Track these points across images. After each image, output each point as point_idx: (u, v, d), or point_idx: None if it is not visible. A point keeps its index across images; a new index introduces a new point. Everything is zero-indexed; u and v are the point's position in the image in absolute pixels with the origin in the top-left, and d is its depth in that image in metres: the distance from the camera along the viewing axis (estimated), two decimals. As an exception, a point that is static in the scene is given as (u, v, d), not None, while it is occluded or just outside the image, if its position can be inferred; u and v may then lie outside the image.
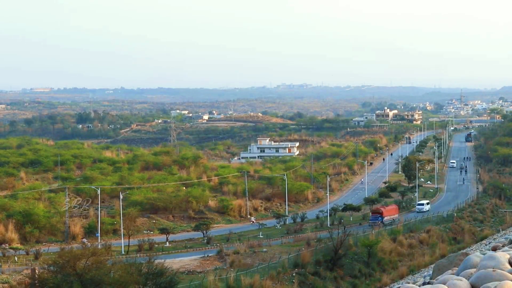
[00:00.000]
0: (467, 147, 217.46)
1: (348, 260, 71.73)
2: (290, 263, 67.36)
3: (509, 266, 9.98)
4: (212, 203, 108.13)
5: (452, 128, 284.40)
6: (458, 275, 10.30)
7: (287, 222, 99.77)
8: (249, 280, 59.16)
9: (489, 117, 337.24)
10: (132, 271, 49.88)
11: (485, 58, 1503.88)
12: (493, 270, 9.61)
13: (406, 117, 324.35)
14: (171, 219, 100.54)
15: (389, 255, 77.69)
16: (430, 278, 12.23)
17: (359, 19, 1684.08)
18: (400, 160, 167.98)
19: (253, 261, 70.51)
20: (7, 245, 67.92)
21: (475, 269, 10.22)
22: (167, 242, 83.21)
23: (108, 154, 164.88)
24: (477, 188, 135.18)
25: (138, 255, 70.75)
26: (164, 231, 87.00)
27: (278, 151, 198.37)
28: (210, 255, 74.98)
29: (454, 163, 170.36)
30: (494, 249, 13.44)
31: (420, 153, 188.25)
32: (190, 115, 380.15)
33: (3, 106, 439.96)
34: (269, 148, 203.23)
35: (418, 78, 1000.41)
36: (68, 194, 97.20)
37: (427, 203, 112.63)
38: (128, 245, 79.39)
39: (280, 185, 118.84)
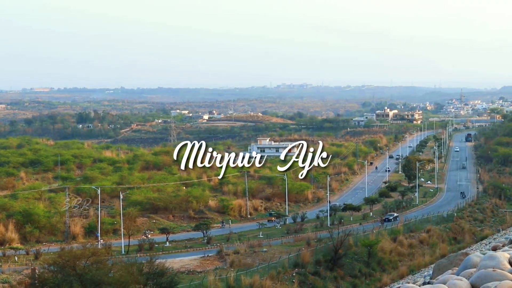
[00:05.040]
0: (467, 147, 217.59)
1: (348, 260, 71.75)
2: (290, 263, 67.38)
3: (509, 266, 9.98)
4: (212, 203, 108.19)
5: (452, 128, 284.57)
6: (458, 275, 10.30)
7: (287, 222, 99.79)
8: (249, 280, 59.21)
9: (489, 117, 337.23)
10: (133, 270, 49.90)
11: (485, 57, 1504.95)
12: (493, 270, 9.61)
13: (406, 117, 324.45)
14: (171, 219, 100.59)
15: (389, 255, 77.72)
16: (430, 278, 12.23)
17: (360, 19, 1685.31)
18: (400, 160, 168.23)
19: (253, 261, 70.56)
20: None
21: (475, 269, 10.22)
22: (167, 242, 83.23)
23: (108, 154, 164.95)
24: (477, 188, 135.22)
25: (138, 255, 70.86)
26: (164, 231, 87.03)
27: (278, 151, 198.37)
28: (210, 255, 75.03)
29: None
30: (494, 249, 13.44)
31: (420, 153, 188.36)
32: (190, 115, 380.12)
33: (3, 106, 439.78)
34: (269, 148, 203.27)
35: (418, 78, 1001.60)
36: (68, 194, 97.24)
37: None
38: (128, 245, 79.41)
39: (280, 185, 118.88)
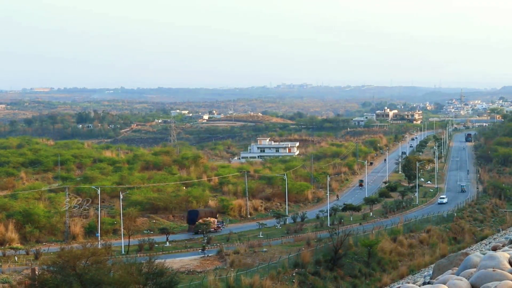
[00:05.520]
0: (467, 147, 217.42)
1: (348, 260, 71.70)
2: (290, 263, 67.33)
3: (509, 266, 9.96)
4: (212, 203, 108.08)
5: (452, 128, 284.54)
6: (458, 275, 10.29)
7: (287, 222, 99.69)
8: (249, 280, 59.16)
9: (489, 117, 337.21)
10: (132, 271, 49.85)
11: (485, 57, 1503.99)
12: (493, 270, 9.59)
13: (406, 117, 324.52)
14: (171, 219, 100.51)
15: (389, 255, 77.67)
16: (430, 278, 12.21)
17: (360, 19, 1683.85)
18: (400, 160, 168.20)
19: (253, 261, 70.50)
20: None
21: (475, 269, 10.21)
22: (167, 242, 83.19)
23: (108, 154, 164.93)
24: (477, 188, 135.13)
25: (138, 255, 70.78)
26: (164, 231, 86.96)
27: (278, 151, 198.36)
28: (210, 255, 74.96)
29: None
30: (494, 249, 13.42)
31: (420, 153, 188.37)
32: (190, 115, 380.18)
33: (3, 106, 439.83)
34: (269, 148, 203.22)
35: (418, 78, 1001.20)
36: (68, 194, 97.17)
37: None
38: (128, 245, 79.36)
39: (280, 185, 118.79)
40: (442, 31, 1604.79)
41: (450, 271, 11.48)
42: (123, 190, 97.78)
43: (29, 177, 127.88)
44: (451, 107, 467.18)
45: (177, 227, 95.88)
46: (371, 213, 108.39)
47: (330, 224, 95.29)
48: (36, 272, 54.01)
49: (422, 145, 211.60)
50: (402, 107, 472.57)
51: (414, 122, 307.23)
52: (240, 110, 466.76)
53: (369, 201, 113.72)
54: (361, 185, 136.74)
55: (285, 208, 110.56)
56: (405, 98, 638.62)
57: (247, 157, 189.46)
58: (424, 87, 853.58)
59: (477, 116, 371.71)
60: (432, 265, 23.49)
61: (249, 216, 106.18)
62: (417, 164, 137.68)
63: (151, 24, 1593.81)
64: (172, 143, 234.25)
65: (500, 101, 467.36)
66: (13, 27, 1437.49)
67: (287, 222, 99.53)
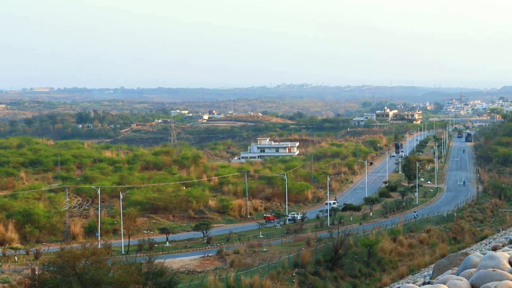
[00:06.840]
0: (467, 146, 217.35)
1: (348, 260, 71.69)
2: (290, 263, 67.32)
3: (509, 266, 9.95)
4: (212, 203, 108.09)
5: (452, 128, 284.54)
6: (458, 275, 10.28)
7: (287, 222, 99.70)
8: (249, 280, 59.16)
9: (489, 117, 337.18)
10: (132, 271, 49.82)
11: (485, 58, 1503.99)
12: (493, 270, 9.59)
13: (406, 117, 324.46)
14: (171, 219, 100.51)
15: (389, 255, 77.64)
16: (430, 278, 12.20)
17: (361, 18, 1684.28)
18: (400, 160, 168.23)
19: (253, 261, 70.49)
20: None
21: (475, 269, 10.20)
22: (167, 242, 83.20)
23: (108, 154, 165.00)
24: (477, 188, 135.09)
25: (138, 255, 70.75)
26: (164, 231, 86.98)
27: (278, 151, 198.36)
28: (210, 255, 74.97)
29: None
30: (494, 249, 13.42)
31: (420, 153, 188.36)
32: (190, 115, 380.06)
33: (3, 106, 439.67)
34: (269, 148, 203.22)
35: (418, 78, 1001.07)
36: (68, 194, 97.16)
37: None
38: (128, 245, 79.36)
39: (280, 185, 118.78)
40: (442, 31, 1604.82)
41: (450, 271, 11.48)
42: (123, 190, 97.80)
43: (29, 177, 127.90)
44: (451, 107, 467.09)
45: (177, 227, 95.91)
46: (371, 213, 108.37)
47: (330, 224, 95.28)
48: (36, 272, 54.00)
49: (422, 145, 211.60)
50: (402, 107, 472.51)
51: (414, 122, 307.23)
52: (240, 110, 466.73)
53: (369, 201, 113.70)
54: (397, 151, 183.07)
55: (285, 208, 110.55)
56: (405, 98, 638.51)
57: (247, 157, 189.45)
58: (424, 87, 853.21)
59: (477, 116, 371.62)
60: (432, 265, 23.47)
61: (249, 216, 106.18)
62: (417, 164, 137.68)
63: (151, 23, 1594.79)
64: (172, 143, 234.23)
65: (500, 101, 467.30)
66: (13, 26, 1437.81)
67: (287, 222, 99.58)
